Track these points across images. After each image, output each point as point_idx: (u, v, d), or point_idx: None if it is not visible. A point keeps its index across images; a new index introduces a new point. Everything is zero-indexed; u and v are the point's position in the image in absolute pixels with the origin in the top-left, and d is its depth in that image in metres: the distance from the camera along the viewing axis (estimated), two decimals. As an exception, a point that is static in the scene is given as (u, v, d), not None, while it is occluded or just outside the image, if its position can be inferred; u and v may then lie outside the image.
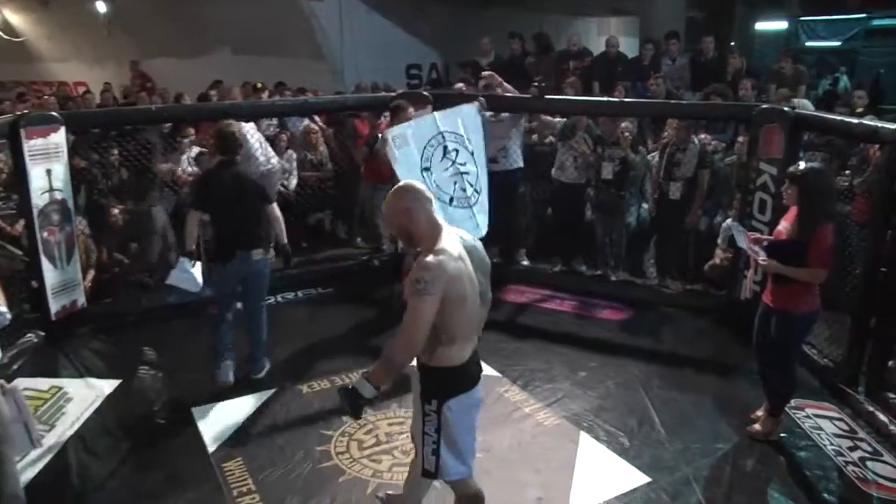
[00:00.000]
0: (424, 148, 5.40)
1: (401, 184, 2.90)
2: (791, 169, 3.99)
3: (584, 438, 4.16)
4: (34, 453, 4.07)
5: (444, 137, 5.44)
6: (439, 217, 2.82)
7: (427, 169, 5.34)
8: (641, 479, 3.80)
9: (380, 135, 5.61)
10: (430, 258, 2.64)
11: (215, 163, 4.97)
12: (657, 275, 6.53)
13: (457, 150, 5.48)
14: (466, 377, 2.85)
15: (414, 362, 2.83)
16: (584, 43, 9.75)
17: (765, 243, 4.01)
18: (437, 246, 2.69)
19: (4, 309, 2.82)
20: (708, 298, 6.07)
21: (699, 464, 3.94)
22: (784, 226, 3.98)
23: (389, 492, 3.55)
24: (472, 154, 5.57)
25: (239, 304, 5.05)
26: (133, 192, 6.76)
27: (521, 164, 6.65)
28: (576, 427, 4.28)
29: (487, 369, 4.91)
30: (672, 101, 7.09)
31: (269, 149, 6.62)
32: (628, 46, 9.64)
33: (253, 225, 4.79)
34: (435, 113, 5.68)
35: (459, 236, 2.87)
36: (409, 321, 2.64)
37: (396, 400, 4.59)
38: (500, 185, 6.54)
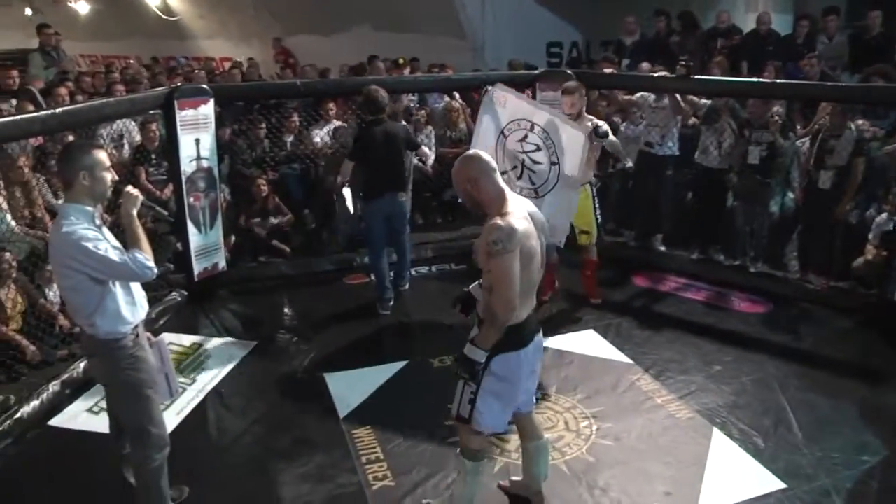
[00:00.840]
0: (513, 121, 5.19)
1: (468, 153, 3.05)
2: None
3: (717, 435, 3.98)
4: (177, 404, 4.36)
5: (533, 128, 5.09)
6: (504, 184, 2.95)
7: (503, 134, 5.16)
8: (776, 484, 3.58)
9: (489, 87, 5.43)
10: (498, 220, 2.80)
11: (368, 121, 5.64)
12: (799, 269, 6.14)
13: (537, 147, 5.11)
14: (517, 337, 2.94)
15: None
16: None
17: None
18: (504, 209, 2.85)
19: (152, 264, 2.99)
20: (855, 298, 5.64)
21: (841, 475, 3.65)
22: None
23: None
24: (553, 165, 5.07)
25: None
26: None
27: (675, 151, 6.62)
28: (708, 423, 4.10)
29: (619, 356, 4.92)
30: (828, 84, 6.58)
31: None
32: (780, 23, 9.01)
33: (399, 172, 5.61)
34: (548, 109, 5.28)
35: (522, 201, 3.00)
36: (499, 281, 2.79)
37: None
38: (651, 169, 6.69)
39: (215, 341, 5.28)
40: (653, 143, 6.61)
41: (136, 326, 3.11)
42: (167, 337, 5.27)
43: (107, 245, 2.89)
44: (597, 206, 5.48)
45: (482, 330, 2.91)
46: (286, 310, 5.85)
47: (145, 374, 3.14)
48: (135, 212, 3.07)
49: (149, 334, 3.38)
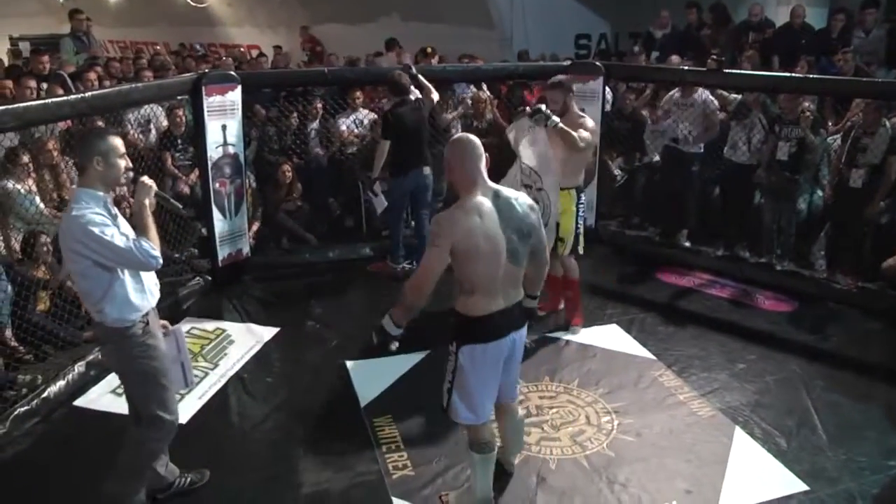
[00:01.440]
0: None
1: (458, 135, 3.07)
2: None
3: (739, 434, 3.93)
4: (199, 389, 4.42)
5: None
6: (481, 175, 2.92)
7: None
8: (798, 485, 3.52)
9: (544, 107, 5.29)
10: (443, 213, 2.90)
11: (393, 103, 5.96)
12: (826, 268, 6.04)
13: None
14: (484, 330, 2.96)
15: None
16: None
17: None
18: (466, 199, 2.87)
19: (157, 253, 2.98)
20: (883, 299, 5.52)
21: (866, 480, 3.57)
22: None
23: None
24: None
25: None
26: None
27: (700, 150, 6.60)
28: (731, 421, 4.05)
29: (642, 351, 4.87)
30: (863, 79, 6.41)
31: None
32: (814, 17, 8.85)
33: (424, 147, 6.01)
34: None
35: (496, 193, 2.93)
36: (420, 267, 2.92)
37: (549, 372, 4.58)
38: (676, 164, 6.66)
39: (238, 327, 5.32)
40: (678, 139, 6.57)
41: (147, 314, 3.10)
42: (190, 322, 5.34)
43: (114, 230, 2.89)
44: (580, 214, 5.01)
45: (395, 306, 2.98)
46: (309, 297, 5.85)
47: (157, 361, 3.13)
48: (147, 201, 3.06)
49: (165, 322, 3.39)
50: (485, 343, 2.97)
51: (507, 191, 3.00)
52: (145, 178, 3.12)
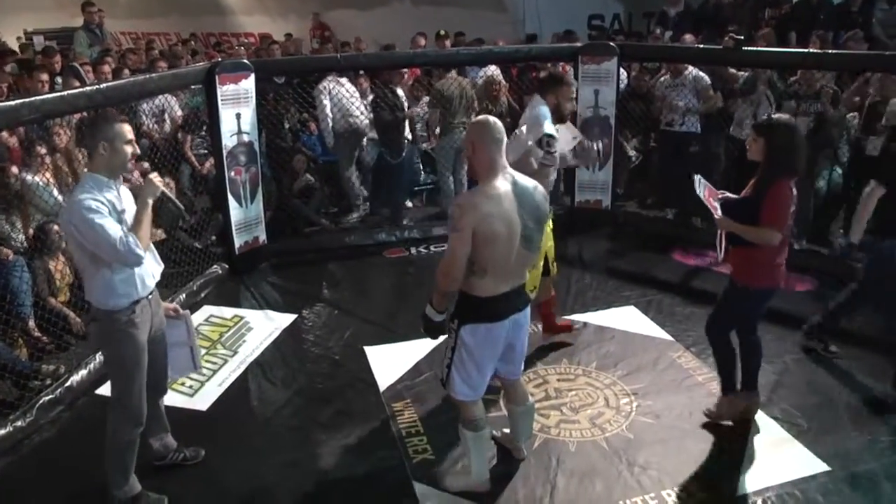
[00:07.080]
0: None
1: (481, 117, 3.09)
2: (759, 121, 3.53)
3: (759, 415, 3.89)
4: (219, 375, 4.47)
5: None
6: (502, 160, 2.96)
7: None
8: (819, 466, 3.50)
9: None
10: (461, 198, 2.96)
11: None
12: (846, 245, 5.96)
13: None
14: (490, 311, 3.02)
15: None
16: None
17: (720, 197, 3.62)
18: (485, 184, 2.91)
19: (141, 252, 2.98)
20: (906, 276, 5.45)
21: (890, 460, 3.53)
22: (750, 184, 3.62)
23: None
24: None
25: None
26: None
27: (697, 130, 6.61)
28: (750, 402, 4.02)
29: (660, 332, 4.85)
30: (885, 53, 6.15)
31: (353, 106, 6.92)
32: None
33: None
34: None
35: (515, 180, 2.97)
36: (446, 253, 2.95)
37: (567, 355, 4.59)
38: (673, 146, 6.68)
39: (256, 314, 5.34)
40: (673, 122, 6.58)
41: (136, 302, 3.11)
42: (209, 309, 5.38)
43: (107, 220, 2.91)
44: None
45: (434, 293, 3.06)
46: (326, 283, 5.87)
47: (132, 350, 3.12)
48: (150, 200, 3.09)
49: (176, 306, 3.43)
50: (488, 323, 3.03)
51: (522, 178, 3.04)
52: (154, 176, 3.15)
